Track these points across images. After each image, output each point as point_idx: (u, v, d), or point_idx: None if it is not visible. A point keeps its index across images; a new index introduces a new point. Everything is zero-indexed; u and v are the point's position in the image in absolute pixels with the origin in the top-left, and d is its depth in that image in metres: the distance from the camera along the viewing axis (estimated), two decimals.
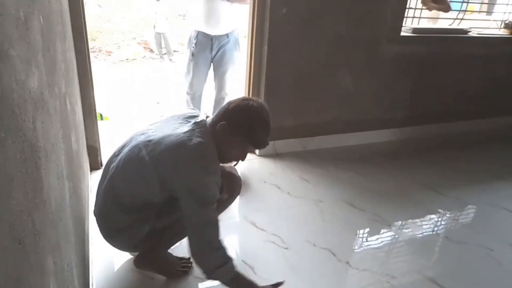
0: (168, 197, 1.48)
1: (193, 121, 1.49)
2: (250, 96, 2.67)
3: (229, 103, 1.49)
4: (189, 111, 1.61)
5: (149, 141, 1.44)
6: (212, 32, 2.77)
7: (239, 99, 1.51)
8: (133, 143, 1.49)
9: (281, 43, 2.54)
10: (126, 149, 1.50)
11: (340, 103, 2.93)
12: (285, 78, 2.67)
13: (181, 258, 1.75)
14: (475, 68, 3.28)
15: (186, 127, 1.45)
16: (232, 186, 1.76)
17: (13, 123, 0.48)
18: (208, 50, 2.83)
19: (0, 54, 0.46)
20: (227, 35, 2.81)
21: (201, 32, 2.79)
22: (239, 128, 1.44)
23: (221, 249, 1.44)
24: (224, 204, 1.78)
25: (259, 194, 2.36)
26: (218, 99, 3.06)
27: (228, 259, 1.44)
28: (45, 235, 0.63)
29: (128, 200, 1.49)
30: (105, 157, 2.50)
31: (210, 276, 1.46)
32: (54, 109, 0.91)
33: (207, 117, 1.55)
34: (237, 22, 2.87)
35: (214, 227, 1.43)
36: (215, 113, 1.53)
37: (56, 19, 1.16)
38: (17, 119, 0.51)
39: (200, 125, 1.46)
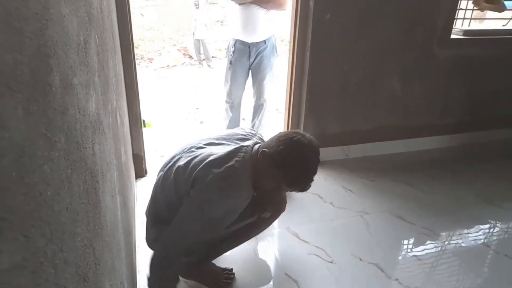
0: None
1: (240, 144, 1.46)
2: (292, 105, 2.63)
3: (280, 133, 1.43)
4: (244, 132, 1.58)
5: (191, 156, 1.45)
6: (249, 39, 2.76)
7: (291, 130, 1.46)
8: (178, 156, 1.50)
9: (324, 50, 2.48)
10: (171, 162, 1.51)
11: (388, 109, 2.82)
12: (328, 85, 2.61)
13: (224, 269, 1.74)
14: None
15: (230, 148, 1.43)
16: (275, 207, 1.74)
17: (77, 155, 0.47)
18: (246, 57, 2.83)
19: (65, 86, 0.45)
20: (264, 41, 2.79)
21: (238, 40, 2.79)
22: (277, 161, 1.35)
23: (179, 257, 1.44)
24: (265, 222, 1.76)
25: (301, 204, 2.31)
26: (257, 106, 3.05)
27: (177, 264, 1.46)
28: (103, 260, 0.63)
29: (165, 213, 1.51)
30: (149, 164, 2.55)
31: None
32: (108, 127, 0.92)
33: (256, 143, 1.49)
34: (274, 28, 2.85)
35: (190, 238, 1.42)
36: (266, 141, 1.49)
37: (108, 36, 1.18)
38: (80, 149, 0.50)
39: (244, 149, 1.42)
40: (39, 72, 0.35)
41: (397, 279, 1.79)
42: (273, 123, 3.53)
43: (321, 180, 2.57)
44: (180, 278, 1.69)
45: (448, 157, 2.97)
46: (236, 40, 2.81)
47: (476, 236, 2.11)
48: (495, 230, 2.17)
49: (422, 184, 2.55)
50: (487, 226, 2.19)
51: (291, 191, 1.50)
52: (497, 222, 2.22)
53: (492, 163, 2.90)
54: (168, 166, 1.51)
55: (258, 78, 2.91)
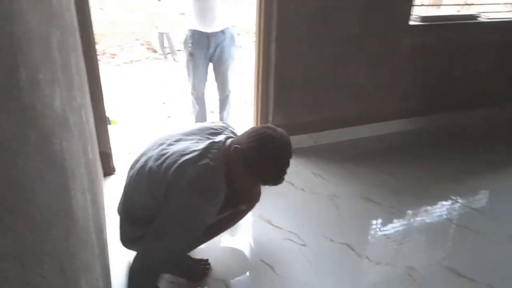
0: None
1: (212, 139, 1.45)
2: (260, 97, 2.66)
3: (252, 128, 1.44)
4: (215, 126, 1.57)
5: (163, 155, 1.42)
6: (207, 29, 2.75)
7: (262, 126, 1.45)
8: (149, 154, 1.48)
9: (290, 40, 2.52)
10: (142, 160, 1.49)
11: (352, 96, 2.91)
12: (295, 75, 2.65)
13: (200, 260, 1.76)
14: (488, 54, 3.23)
15: (202, 145, 1.42)
16: (251, 200, 1.77)
17: (48, 150, 0.47)
18: (206, 48, 2.81)
19: (32, 82, 0.45)
20: (222, 31, 2.79)
21: (196, 30, 2.77)
22: (249, 158, 1.35)
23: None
24: (241, 214, 1.79)
25: (273, 192, 2.34)
26: (223, 98, 3.06)
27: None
28: (79, 255, 0.63)
29: (139, 213, 1.50)
30: (117, 161, 2.51)
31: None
32: (74, 125, 0.91)
33: (228, 138, 1.49)
34: (231, 18, 2.84)
35: (174, 245, 1.40)
36: (238, 136, 1.49)
37: (69, 31, 1.16)
38: (50, 145, 0.50)
39: (216, 146, 1.42)
40: (7, 68, 0.35)
41: (367, 257, 1.87)
42: (242, 114, 3.55)
43: (292, 168, 2.60)
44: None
45: (410, 140, 3.10)
46: (193, 31, 2.78)
47: (439, 212, 2.23)
48: (456, 206, 2.30)
49: (387, 166, 2.66)
50: (449, 202, 2.31)
51: (265, 185, 1.51)
52: (458, 197, 2.35)
53: (449, 145, 3.05)
54: (139, 165, 1.48)
55: (221, 70, 2.91)
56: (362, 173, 2.57)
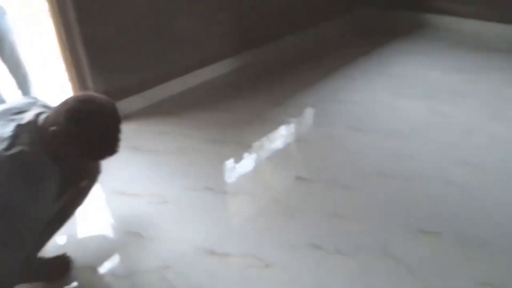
0: None
1: (18, 121, 1.20)
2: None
3: (64, 103, 1.20)
4: (18, 103, 1.30)
5: None
6: None
7: (75, 98, 1.21)
8: None
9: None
10: None
11: (177, 46, 2.84)
12: (109, 35, 2.42)
13: (57, 257, 1.57)
14: None
15: (8, 129, 1.17)
16: (90, 173, 1.59)
17: None
18: None
19: None
20: None
21: None
22: (72, 137, 1.18)
23: None
24: (84, 191, 1.61)
25: (120, 162, 2.21)
26: (21, 78, 2.60)
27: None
28: None
29: None
30: None
31: None
32: None
33: (39, 114, 1.25)
34: None
35: (19, 252, 1.16)
36: (50, 113, 1.24)
37: None
38: None
39: (26, 128, 1.19)
40: None
41: (225, 192, 1.97)
42: (56, 85, 3.13)
43: (131, 133, 2.48)
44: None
45: (239, 76, 3.26)
46: None
47: (279, 135, 2.46)
48: (289, 125, 2.56)
49: (223, 105, 2.77)
50: (283, 124, 2.56)
51: (100, 159, 1.37)
52: (288, 117, 2.62)
53: (274, 72, 3.33)
54: None
55: (5, 47, 2.45)
56: (203, 119, 2.61)
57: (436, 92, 2.86)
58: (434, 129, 2.42)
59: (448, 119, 2.52)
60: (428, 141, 2.30)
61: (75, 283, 1.53)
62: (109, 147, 1.27)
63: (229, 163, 2.21)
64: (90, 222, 1.83)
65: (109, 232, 1.79)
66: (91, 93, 1.30)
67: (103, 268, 1.59)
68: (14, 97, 3.00)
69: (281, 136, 2.44)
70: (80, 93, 1.36)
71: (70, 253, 1.61)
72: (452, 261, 1.56)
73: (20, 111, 1.27)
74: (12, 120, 1.22)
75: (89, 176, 1.60)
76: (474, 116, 2.54)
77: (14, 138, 1.15)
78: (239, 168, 2.16)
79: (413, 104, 2.71)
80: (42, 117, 1.24)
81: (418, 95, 2.83)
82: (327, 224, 1.75)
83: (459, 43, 3.73)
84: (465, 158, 2.14)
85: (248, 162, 2.21)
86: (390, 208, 1.83)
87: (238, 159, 2.23)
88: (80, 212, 1.68)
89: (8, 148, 1.12)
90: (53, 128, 1.18)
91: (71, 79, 2.47)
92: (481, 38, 3.81)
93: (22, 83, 2.61)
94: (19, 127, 1.18)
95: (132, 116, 2.66)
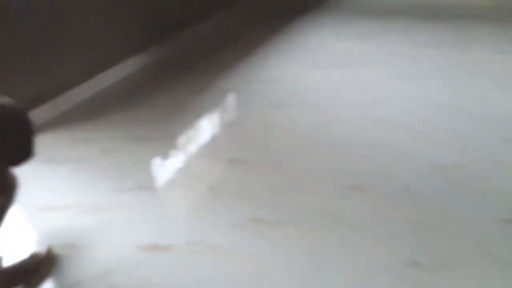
0: None
1: None
2: None
3: None
4: None
5: None
6: None
7: None
8: None
9: None
10: None
11: (77, 49, 2.66)
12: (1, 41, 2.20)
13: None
14: None
15: None
16: (6, 189, 1.44)
17: None
18: None
19: None
20: None
21: None
22: None
23: None
24: (1, 209, 1.46)
25: (37, 176, 2.03)
26: None
27: None
28: None
29: None
30: None
31: None
32: None
33: None
34: None
35: None
36: None
37: None
38: None
39: None
40: None
41: (158, 188, 1.91)
42: None
43: (46, 145, 2.28)
44: None
45: (151, 72, 3.17)
46: None
47: (204, 123, 2.43)
48: (212, 111, 2.55)
49: (143, 102, 2.67)
50: (206, 111, 2.54)
51: (15, 166, 1.27)
52: (209, 104, 2.61)
53: (184, 67, 3.28)
54: None
55: None
56: (121, 119, 2.50)
57: (346, 60, 3.04)
58: (350, 95, 2.58)
59: (360, 83, 2.70)
60: (346, 107, 2.45)
61: None
62: (24, 153, 1.18)
63: (157, 159, 2.14)
64: (16, 244, 1.66)
65: (40, 249, 1.64)
66: None
67: (45, 286, 1.46)
68: None
69: (206, 124, 2.43)
70: None
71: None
72: (383, 210, 1.69)
73: None
74: None
75: (5, 193, 1.45)
76: (382, 78, 2.75)
77: None
78: (169, 162, 2.11)
79: (326, 74, 2.86)
80: None
81: (330, 65, 2.99)
82: (266, 198, 1.79)
83: (363, 12, 4.01)
84: (383, 117, 2.31)
85: (177, 155, 2.17)
86: (322, 175, 1.93)
87: (166, 153, 2.17)
88: (2, 234, 1.52)
89: None
90: None
91: None
92: (385, 5, 4.13)
93: None
94: None
95: (44, 127, 2.45)
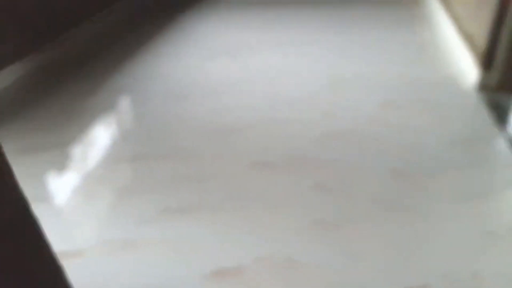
0: None
1: None
2: None
3: None
4: None
5: None
6: None
7: None
8: None
9: None
10: None
11: None
12: None
13: None
14: None
15: None
16: None
17: None
18: None
19: None
20: None
21: None
22: None
23: None
24: None
25: None
26: None
27: None
28: None
29: None
30: None
31: None
32: None
33: None
34: None
35: None
36: None
37: None
38: None
39: None
40: None
41: (55, 200, 1.80)
42: None
43: None
44: None
45: (35, 79, 2.92)
46: None
47: (101, 125, 2.33)
48: (109, 112, 2.45)
49: (30, 110, 2.46)
50: (102, 113, 2.44)
51: None
52: (105, 105, 2.50)
53: (73, 69, 3.09)
54: None
55: None
56: (7, 131, 2.28)
57: (239, 49, 3.15)
58: (245, 80, 2.68)
59: (253, 68, 2.82)
60: (242, 92, 2.55)
61: None
62: None
63: (53, 169, 2.01)
64: None
65: None
66: None
67: None
68: None
69: (103, 126, 2.33)
70: None
71: None
72: (287, 181, 1.82)
73: None
74: None
75: None
76: (274, 62, 2.91)
77: None
78: (66, 171, 1.99)
79: (221, 63, 2.93)
80: None
81: (223, 54, 3.07)
82: (175, 188, 1.80)
83: (253, 2, 4.16)
84: (277, 96, 2.46)
85: (74, 162, 2.05)
86: (226, 157, 1.99)
87: (63, 162, 2.04)
88: None
89: None
90: None
91: None
92: None
93: None
94: None
95: None
